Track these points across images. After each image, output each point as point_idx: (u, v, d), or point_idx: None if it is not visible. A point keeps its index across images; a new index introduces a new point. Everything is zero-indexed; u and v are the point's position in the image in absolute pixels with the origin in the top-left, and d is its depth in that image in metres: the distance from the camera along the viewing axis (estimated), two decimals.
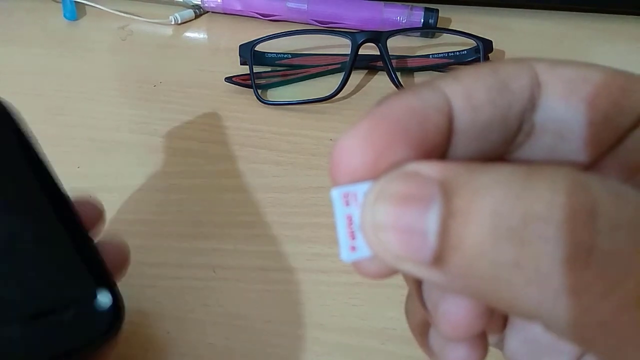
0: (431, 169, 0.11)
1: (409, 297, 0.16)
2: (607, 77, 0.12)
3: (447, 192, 0.11)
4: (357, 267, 0.13)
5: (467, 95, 0.12)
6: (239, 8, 0.46)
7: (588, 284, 0.10)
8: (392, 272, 0.13)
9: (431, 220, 0.10)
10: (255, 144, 0.36)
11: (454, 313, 0.13)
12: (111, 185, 0.34)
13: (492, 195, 0.10)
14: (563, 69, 0.13)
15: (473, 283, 0.11)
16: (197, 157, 0.36)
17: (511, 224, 0.10)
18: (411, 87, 0.13)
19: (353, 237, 0.12)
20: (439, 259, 0.11)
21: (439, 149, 0.12)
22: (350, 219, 0.12)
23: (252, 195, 0.34)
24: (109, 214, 0.32)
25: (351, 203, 0.12)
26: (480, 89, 0.12)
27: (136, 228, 0.32)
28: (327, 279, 0.30)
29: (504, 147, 0.13)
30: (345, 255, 0.12)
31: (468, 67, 0.13)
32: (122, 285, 0.29)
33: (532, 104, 0.13)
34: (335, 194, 0.12)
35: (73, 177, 0.34)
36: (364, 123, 0.12)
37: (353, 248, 0.12)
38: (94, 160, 0.35)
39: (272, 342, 0.28)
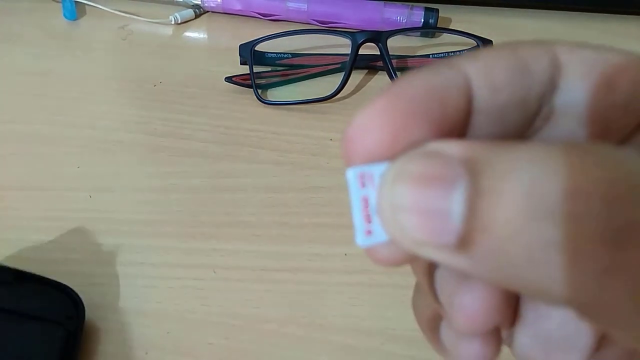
0: (454, 147, 0.11)
1: (416, 290, 0.16)
2: (628, 60, 0.12)
3: (473, 172, 0.10)
4: (370, 253, 0.12)
5: (486, 74, 0.12)
6: (239, 8, 0.46)
7: (635, 263, 0.09)
8: (407, 258, 0.12)
9: (456, 201, 0.10)
10: (255, 144, 0.36)
11: (470, 305, 0.12)
12: (111, 185, 0.34)
13: (526, 172, 0.10)
14: (583, 51, 0.12)
15: (503, 267, 0.10)
16: (197, 157, 0.36)
17: (549, 201, 0.09)
18: (430, 66, 0.12)
19: (369, 220, 0.12)
20: (464, 242, 0.10)
21: (458, 129, 0.12)
22: (366, 202, 0.12)
23: (252, 195, 0.34)
24: (109, 214, 0.33)
25: (367, 184, 0.12)
26: (500, 69, 0.12)
27: (136, 228, 0.32)
28: (327, 279, 0.30)
29: (521, 131, 0.13)
30: (361, 239, 0.12)
31: (487, 47, 0.13)
32: (122, 285, 0.29)
33: (552, 86, 0.12)
34: (351, 174, 0.12)
35: (73, 177, 0.34)
36: (381, 100, 0.11)
37: (369, 232, 0.12)
38: (94, 160, 0.35)
39: (272, 342, 0.28)
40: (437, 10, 0.45)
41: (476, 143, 0.11)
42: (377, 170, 0.11)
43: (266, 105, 0.39)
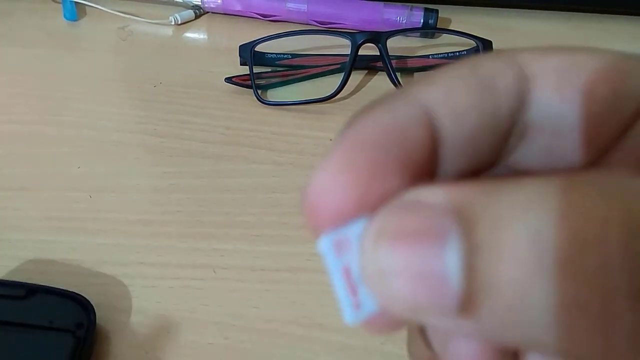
0: (437, 194, 0.09)
1: (410, 336, 0.14)
2: (603, 62, 0.11)
3: (464, 222, 0.09)
4: (364, 325, 0.11)
5: (447, 101, 0.11)
6: (239, 8, 0.46)
7: None
8: (407, 322, 0.11)
9: (451, 259, 0.09)
10: (255, 144, 0.36)
11: (466, 353, 0.11)
12: (111, 185, 0.34)
13: (525, 218, 0.08)
14: (552, 58, 0.11)
15: (512, 329, 0.09)
16: (197, 157, 0.36)
17: (560, 252, 0.08)
18: (382, 99, 0.11)
19: (355, 292, 0.10)
20: (466, 305, 0.09)
21: (428, 167, 0.11)
22: (347, 272, 0.10)
23: (252, 195, 0.34)
24: (109, 214, 0.33)
25: (345, 251, 0.10)
26: (461, 92, 0.11)
27: (136, 228, 0.32)
28: (327, 279, 0.30)
29: (496, 154, 0.12)
30: (350, 316, 0.10)
31: (444, 67, 0.11)
32: (122, 285, 0.29)
33: (521, 102, 0.11)
34: (324, 244, 0.10)
35: (73, 177, 0.34)
36: (338, 153, 0.10)
37: (357, 306, 0.10)
38: (94, 160, 0.35)
39: (272, 342, 0.28)
40: (437, 10, 0.45)
41: (462, 187, 0.09)
42: (353, 232, 0.10)
43: (266, 105, 0.39)
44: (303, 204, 0.11)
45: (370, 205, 0.10)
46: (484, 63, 0.11)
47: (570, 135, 0.11)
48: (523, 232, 0.08)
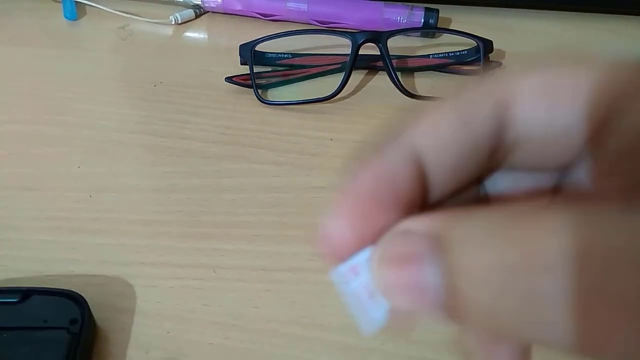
0: (419, 225, 0.12)
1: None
2: (579, 73, 0.13)
3: (439, 246, 0.11)
4: (390, 326, 0.13)
5: (430, 137, 0.13)
6: (239, 8, 0.46)
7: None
8: (418, 321, 0.13)
9: (431, 275, 0.11)
10: (255, 144, 0.36)
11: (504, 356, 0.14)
12: (111, 185, 0.34)
13: (488, 246, 0.10)
14: (535, 74, 0.13)
15: (496, 327, 0.11)
16: (197, 157, 0.36)
17: (518, 278, 0.10)
18: (376, 145, 0.13)
19: (366, 308, 0.13)
20: (451, 309, 0.11)
21: (420, 195, 0.13)
22: (358, 292, 0.13)
23: (252, 195, 0.34)
24: (109, 214, 0.33)
25: (356, 275, 0.13)
26: (442, 128, 0.13)
27: (136, 228, 0.32)
28: (327, 279, 0.30)
29: (484, 169, 0.14)
30: (367, 329, 0.13)
31: (430, 105, 0.13)
32: (122, 285, 0.29)
33: (501, 125, 0.13)
34: (337, 273, 0.13)
35: (73, 177, 0.34)
36: (342, 204, 0.13)
37: (371, 319, 0.13)
38: (94, 160, 0.35)
39: (272, 342, 0.28)
40: (437, 10, 0.45)
41: (439, 216, 0.12)
42: (362, 259, 0.13)
43: (266, 105, 0.39)
44: (318, 246, 0.13)
45: (373, 238, 0.13)
46: (464, 97, 0.13)
47: (558, 141, 0.13)
48: (486, 259, 0.10)
